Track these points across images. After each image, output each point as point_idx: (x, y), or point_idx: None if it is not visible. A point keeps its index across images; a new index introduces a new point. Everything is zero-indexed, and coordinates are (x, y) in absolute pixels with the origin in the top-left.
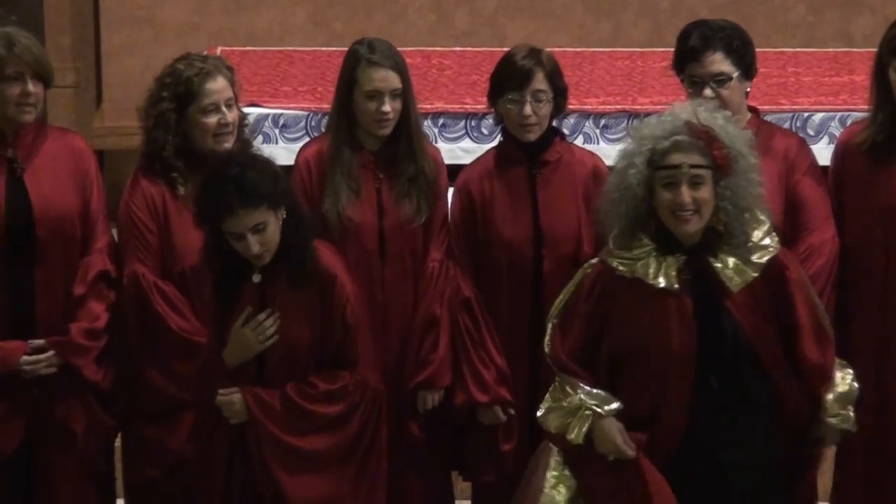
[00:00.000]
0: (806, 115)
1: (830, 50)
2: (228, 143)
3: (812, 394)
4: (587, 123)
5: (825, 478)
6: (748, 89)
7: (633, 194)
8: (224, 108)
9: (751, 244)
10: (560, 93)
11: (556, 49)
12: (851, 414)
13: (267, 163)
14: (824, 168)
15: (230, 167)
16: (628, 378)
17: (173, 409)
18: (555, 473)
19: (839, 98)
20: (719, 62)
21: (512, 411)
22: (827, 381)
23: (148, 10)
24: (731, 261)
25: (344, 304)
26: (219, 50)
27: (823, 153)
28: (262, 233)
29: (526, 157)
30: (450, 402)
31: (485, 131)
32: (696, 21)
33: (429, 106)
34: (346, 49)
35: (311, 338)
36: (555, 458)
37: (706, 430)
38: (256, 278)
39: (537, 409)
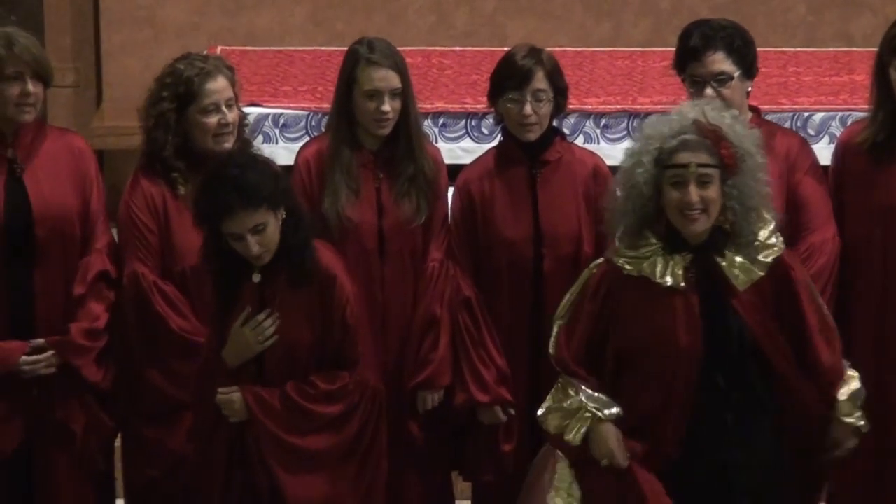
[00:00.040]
0: (806, 114)
1: (830, 50)
2: (228, 143)
3: (825, 395)
4: (587, 123)
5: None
6: (749, 89)
7: (640, 193)
8: (224, 108)
9: (757, 243)
10: (560, 92)
11: (557, 49)
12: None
13: (267, 163)
14: (825, 167)
15: (230, 168)
16: (634, 377)
17: (173, 409)
18: (565, 483)
19: (839, 98)
20: (720, 62)
21: (512, 411)
22: (840, 380)
23: (148, 10)
24: (738, 260)
25: (344, 305)
26: (219, 50)
27: (824, 153)
28: (262, 233)
29: (526, 156)
30: (450, 401)
31: (485, 131)
32: (697, 21)
33: (429, 106)
34: (346, 49)
35: (311, 338)
36: (562, 464)
37: (711, 430)
38: (256, 278)
39: (537, 409)
